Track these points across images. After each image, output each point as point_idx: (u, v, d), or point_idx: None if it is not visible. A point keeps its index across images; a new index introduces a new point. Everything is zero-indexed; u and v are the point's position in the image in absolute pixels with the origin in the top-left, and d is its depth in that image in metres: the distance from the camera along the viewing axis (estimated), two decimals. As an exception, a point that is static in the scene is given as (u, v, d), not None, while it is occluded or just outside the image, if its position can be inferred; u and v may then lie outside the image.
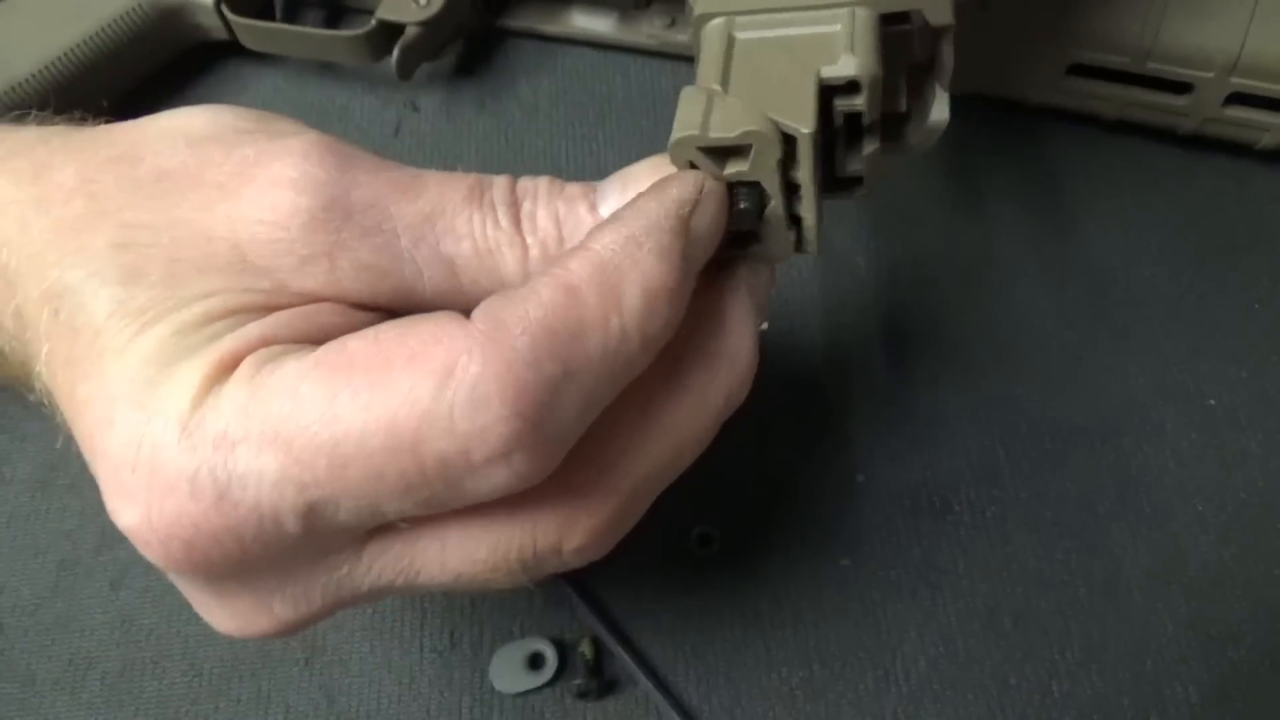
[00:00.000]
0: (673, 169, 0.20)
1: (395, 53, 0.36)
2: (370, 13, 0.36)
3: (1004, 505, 0.30)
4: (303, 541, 0.18)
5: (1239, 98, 0.33)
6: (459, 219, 0.20)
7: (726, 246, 0.21)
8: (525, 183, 0.21)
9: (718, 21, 0.22)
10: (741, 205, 0.20)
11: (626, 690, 0.28)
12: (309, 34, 0.37)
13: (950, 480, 0.30)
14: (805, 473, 0.31)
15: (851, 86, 0.20)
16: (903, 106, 0.23)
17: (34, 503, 0.31)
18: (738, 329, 0.22)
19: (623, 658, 0.28)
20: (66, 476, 0.31)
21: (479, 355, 0.17)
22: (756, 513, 0.30)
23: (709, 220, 0.20)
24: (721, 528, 0.30)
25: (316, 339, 0.19)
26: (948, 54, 0.22)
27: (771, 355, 0.33)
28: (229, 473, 0.17)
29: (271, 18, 0.39)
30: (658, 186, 0.20)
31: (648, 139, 0.23)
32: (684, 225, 0.19)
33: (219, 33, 0.37)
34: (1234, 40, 0.32)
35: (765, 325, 0.23)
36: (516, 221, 0.21)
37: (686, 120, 0.20)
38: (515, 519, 0.19)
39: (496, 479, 0.18)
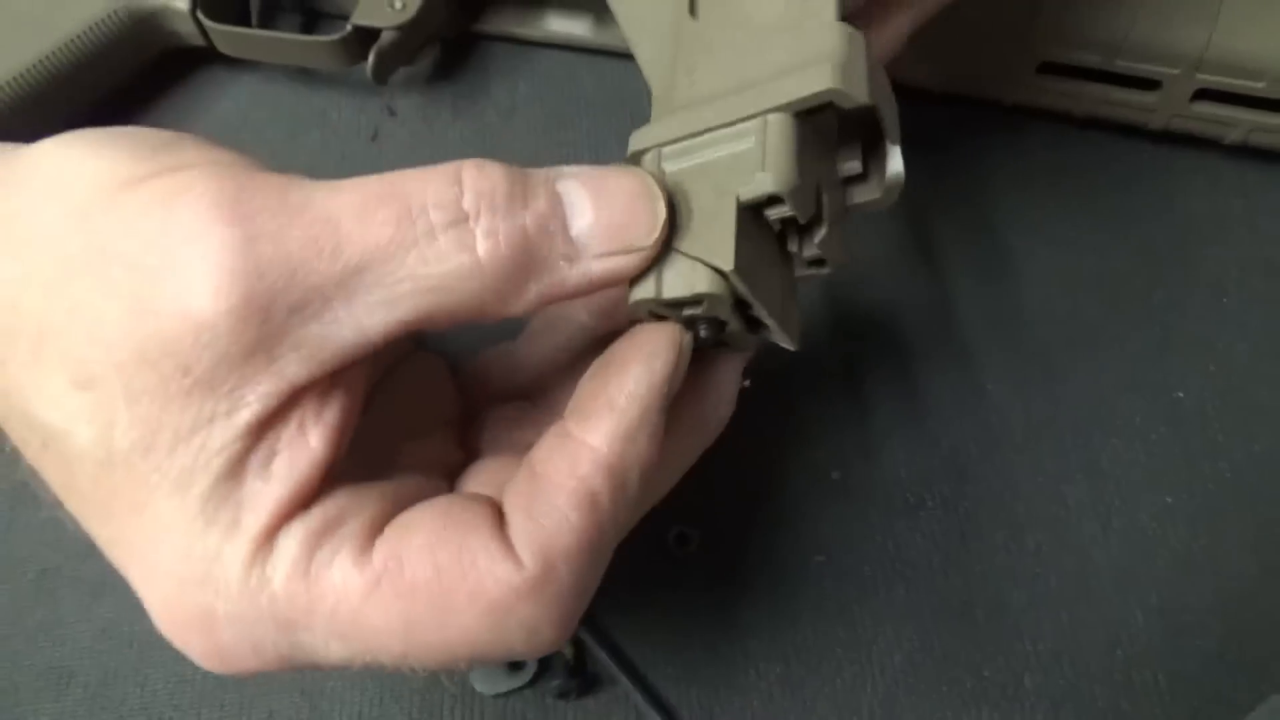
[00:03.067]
0: (644, 205, 0.20)
1: (371, 57, 0.36)
2: (345, 18, 0.36)
3: (975, 500, 0.31)
4: None
5: (1205, 94, 0.33)
6: (391, 264, 0.18)
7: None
8: (476, 183, 0.19)
9: (649, 156, 0.21)
10: (702, 334, 0.22)
11: (606, 689, 0.28)
12: (285, 39, 0.37)
13: (922, 476, 0.31)
14: (780, 472, 0.31)
15: (774, 199, 0.20)
16: (858, 169, 0.23)
17: (14, 511, 0.31)
18: (725, 393, 0.24)
19: (602, 657, 0.28)
20: (44, 490, 0.31)
21: (532, 599, 0.19)
22: (733, 512, 0.31)
23: (683, 373, 0.22)
24: (699, 527, 0.30)
25: (325, 464, 0.19)
26: (888, 113, 0.21)
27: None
28: (292, 646, 0.19)
29: (247, 23, 0.39)
30: (642, 355, 0.21)
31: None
32: (668, 398, 0.21)
33: (195, 39, 0.37)
34: (1200, 37, 0.32)
35: (747, 383, 0.25)
36: (469, 248, 0.19)
37: (642, 284, 0.21)
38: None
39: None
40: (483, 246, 0.19)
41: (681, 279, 0.20)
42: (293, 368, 0.18)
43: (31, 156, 0.20)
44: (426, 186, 0.19)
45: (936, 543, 0.30)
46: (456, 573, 0.19)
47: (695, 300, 0.20)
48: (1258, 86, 0.32)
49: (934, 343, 0.33)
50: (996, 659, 0.28)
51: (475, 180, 0.19)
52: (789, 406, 0.32)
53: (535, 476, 0.20)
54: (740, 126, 0.20)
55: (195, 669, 0.29)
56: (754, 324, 0.22)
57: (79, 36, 0.36)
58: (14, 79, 0.35)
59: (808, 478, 0.31)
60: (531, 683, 0.28)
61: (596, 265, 0.20)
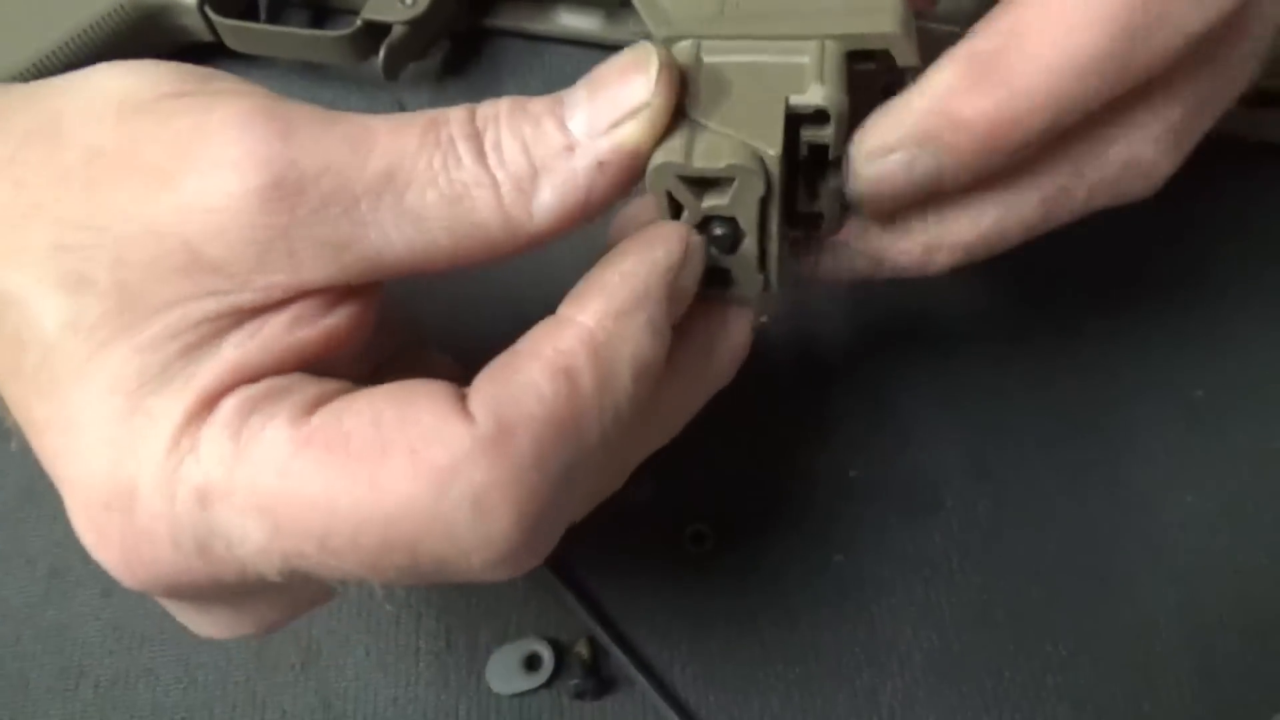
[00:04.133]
0: (639, 69, 0.20)
1: (381, 53, 0.35)
2: (355, 13, 0.36)
3: (995, 499, 0.30)
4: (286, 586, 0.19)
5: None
6: (418, 167, 0.19)
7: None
8: (485, 109, 0.20)
9: (685, 43, 0.21)
10: (716, 234, 0.20)
11: (623, 689, 0.28)
12: (294, 34, 0.36)
13: (941, 475, 0.31)
14: (797, 470, 0.31)
15: (820, 116, 0.20)
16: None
17: (23, 510, 0.31)
18: (735, 324, 0.22)
19: (619, 657, 0.28)
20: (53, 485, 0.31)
21: (484, 463, 0.17)
22: (750, 511, 0.30)
23: (693, 277, 0.20)
24: (715, 526, 0.30)
25: (293, 364, 0.18)
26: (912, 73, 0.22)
27: (760, 354, 0.33)
28: (210, 530, 0.17)
29: (256, 18, 0.39)
30: (642, 244, 0.20)
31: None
32: (672, 291, 0.19)
33: (203, 34, 0.37)
34: None
35: (765, 319, 0.23)
36: (481, 156, 0.19)
37: (669, 146, 0.19)
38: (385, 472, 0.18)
39: (496, 575, 0.18)
40: (492, 156, 0.19)
41: (714, 151, 0.19)
42: (309, 265, 0.18)
43: (81, 74, 0.20)
44: (448, 113, 0.19)
45: (956, 542, 0.30)
46: (396, 426, 0.17)
47: (725, 177, 0.19)
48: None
49: (949, 340, 0.33)
50: (1017, 659, 0.28)
51: (485, 106, 0.20)
52: (807, 406, 0.32)
53: (512, 352, 0.19)
54: (794, 44, 0.20)
55: (206, 669, 0.29)
56: (763, 248, 0.21)
57: (86, 31, 0.36)
58: (21, 74, 0.35)
59: (826, 477, 0.31)
60: (548, 683, 0.28)
61: (601, 143, 0.19)
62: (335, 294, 0.19)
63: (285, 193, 0.18)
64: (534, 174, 0.19)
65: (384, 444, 0.17)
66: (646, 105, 0.19)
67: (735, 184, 0.19)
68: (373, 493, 0.17)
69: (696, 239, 0.20)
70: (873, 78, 0.22)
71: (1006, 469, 0.31)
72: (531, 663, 0.28)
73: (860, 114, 0.22)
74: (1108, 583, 0.29)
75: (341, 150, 0.18)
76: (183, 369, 0.18)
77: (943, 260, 0.23)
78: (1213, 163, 0.35)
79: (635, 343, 0.18)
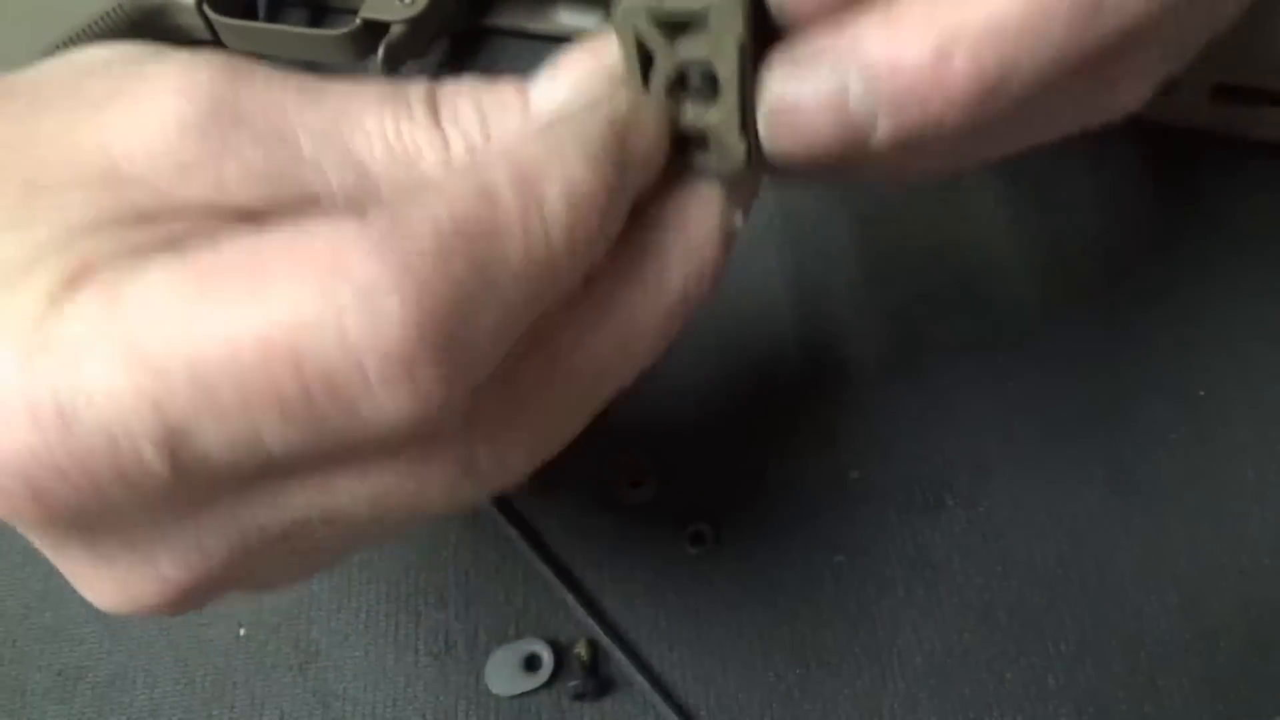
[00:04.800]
0: (601, 44, 0.19)
1: (380, 52, 0.35)
2: (354, 11, 0.36)
3: (997, 499, 0.30)
4: (173, 481, 0.15)
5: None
6: (368, 116, 0.18)
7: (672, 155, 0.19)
8: (448, 82, 0.19)
9: None
10: (693, 86, 0.18)
11: (623, 690, 0.28)
12: (293, 33, 0.36)
13: (943, 475, 0.30)
14: (797, 470, 0.31)
15: None
16: None
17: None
18: (699, 214, 0.19)
19: (619, 658, 0.28)
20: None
21: (376, 254, 0.14)
22: (750, 511, 0.30)
23: (650, 136, 0.18)
24: (715, 526, 0.30)
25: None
26: None
27: (760, 353, 0.33)
28: (74, 392, 0.14)
29: (255, 17, 0.39)
30: (591, 99, 0.18)
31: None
32: (617, 139, 0.17)
33: (201, 33, 0.37)
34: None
35: (740, 221, 0.20)
36: (435, 114, 0.18)
37: None
38: (271, 274, 0.16)
39: (400, 402, 0.15)
40: (446, 117, 0.18)
41: None
42: (235, 189, 0.17)
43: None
44: (409, 82, 0.19)
45: (957, 543, 0.30)
46: (279, 238, 0.15)
47: (700, 19, 0.17)
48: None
49: (951, 340, 0.33)
50: (1019, 660, 0.28)
51: (448, 81, 0.19)
52: (807, 405, 0.32)
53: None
54: None
55: (204, 670, 0.28)
56: (744, 107, 0.19)
57: (83, 31, 0.36)
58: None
59: (826, 477, 0.31)
60: (547, 684, 0.28)
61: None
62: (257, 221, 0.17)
63: (220, 121, 0.17)
64: (488, 141, 0.18)
65: (264, 257, 0.15)
66: (605, 69, 0.18)
67: (712, 25, 0.18)
68: (249, 300, 0.14)
69: (655, 103, 0.18)
70: None
71: (1008, 469, 0.30)
72: (531, 663, 0.28)
73: None
74: (1110, 583, 0.29)
75: (290, 93, 0.18)
76: (68, 244, 0.16)
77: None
78: (1197, 162, 0.35)
79: (567, 170, 0.16)
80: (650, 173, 0.18)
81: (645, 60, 0.18)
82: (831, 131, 0.18)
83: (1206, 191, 0.35)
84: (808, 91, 0.18)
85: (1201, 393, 0.32)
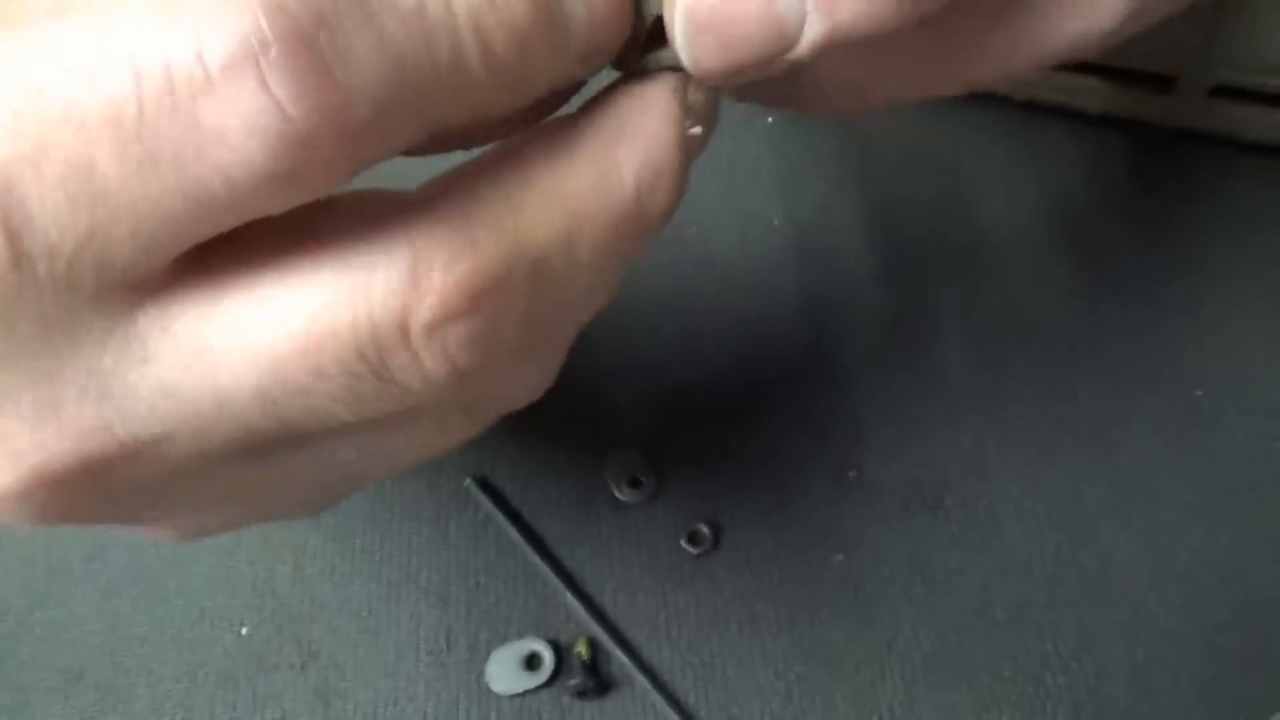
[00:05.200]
0: None
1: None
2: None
3: (994, 499, 0.30)
4: (14, 272, 0.13)
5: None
6: None
7: (648, 44, 0.18)
8: None
9: None
10: None
11: (623, 689, 0.28)
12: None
13: (941, 475, 0.31)
14: (796, 469, 0.31)
15: None
16: None
17: (23, 511, 0.31)
18: (653, 110, 0.18)
19: (619, 657, 0.28)
20: (56, 484, 0.31)
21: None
22: (748, 510, 0.30)
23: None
24: (713, 526, 0.30)
25: None
26: None
27: (759, 352, 0.33)
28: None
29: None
30: None
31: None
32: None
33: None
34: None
35: (698, 129, 0.19)
36: None
37: None
38: (338, 262, 0.15)
39: (250, 107, 0.13)
40: None
41: None
42: None
43: None
44: None
45: (955, 542, 0.30)
46: None
47: None
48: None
49: (948, 340, 0.33)
50: (1016, 658, 0.28)
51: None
52: (805, 405, 0.32)
53: None
54: None
55: (206, 669, 0.29)
56: None
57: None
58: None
59: (825, 476, 0.31)
60: (548, 683, 0.28)
61: None
62: None
63: None
64: None
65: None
66: None
67: None
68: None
69: None
70: None
71: (1006, 469, 0.31)
72: (531, 663, 0.28)
73: None
74: (1108, 583, 0.29)
75: None
76: None
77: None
78: (1195, 161, 0.35)
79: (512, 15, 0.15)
80: (606, 21, 0.17)
81: None
82: (761, 38, 0.17)
83: (1204, 191, 0.35)
84: None
85: (1199, 392, 0.32)
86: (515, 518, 0.30)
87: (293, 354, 0.15)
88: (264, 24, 0.13)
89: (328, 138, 0.13)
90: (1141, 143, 0.36)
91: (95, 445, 0.15)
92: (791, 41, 0.17)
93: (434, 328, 0.15)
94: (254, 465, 0.18)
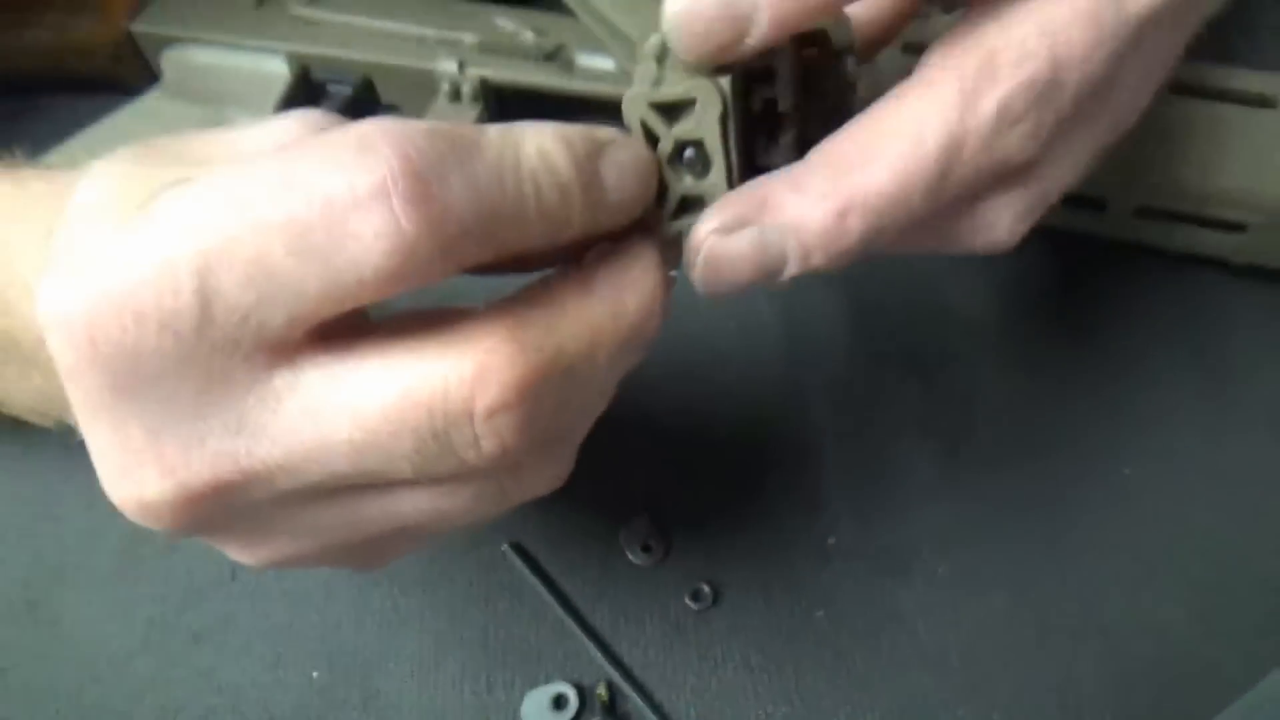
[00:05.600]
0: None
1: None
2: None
3: (954, 564, 0.35)
4: (200, 326, 0.19)
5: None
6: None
7: (676, 214, 0.24)
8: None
9: (654, 36, 0.25)
10: (688, 157, 0.24)
11: (637, 725, 0.33)
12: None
13: (908, 544, 0.36)
14: (784, 536, 0.36)
15: (767, 74, 0.24)
16: (821, 132, 0.26)
17: (123, 567, 0.36)
18: (643, 259, 0.23)
19: (633, 698, 0.33)
20: (151, 546, 0.36)
21: (370, 123, 0.19)
22: (743, 571, 0.35)
23: (629, 163, 0.22)
24: (713, 585, 0.35)
25: None
26: (854, 82, 0.26)
27: (753, 433, 0.38)
28: (141, 235, 0.19)
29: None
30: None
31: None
32: (594, 144, 0.22)
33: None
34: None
35: (674, 273, 0.25)
36: None
37: (639, 83, 0.24)
38: (424, 354, 0.20)
39: (381, 222, 0.18)
40: None
41: (677, 82, 0.23)
42: None
43: None
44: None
45: (919, 600, 0.35)
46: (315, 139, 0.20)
47: (688, 101, 0.23)
48: None
49: (916, 427, 0.38)
50: (969, 701, 0.33)
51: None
52: (792, 479, 0.37)
53: None
54: None
55: (283, 708, 0.33)
56: (729, 170, 0.24)
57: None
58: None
59: (808, 543, 0.36)
60: (574, 719, 0.33)
61: None
62: None
63: (322, 123, 0.22)
64: None
65: (300, 148, 0.20)
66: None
67: (697, 105, 0.23)
68: (278, 167, 0.19)
69: (638, 140, 0.23)
70: (820, 65, 0.26)
71: (964, 539, 0.36)
72: (559, 703, 0.33)
73: (809, 104, 0.26)
74: (1045, 632, 0.34)
75: None
76: (174, 182, 0.20)
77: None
78: (1126, 268, 0.41)
79: (543, 135, 0.21)
80: (627, 190, 0.23)
81: (652, 140, 0.24)
82: (751, 274, 0.25)
83: (1136, 293, 0.41)
84: (734, 246, 0.24)
85: (1127, 470, 0.37)
86: (545, 578, 0.35)
87: (381, 417, 0.20)
88: (395, 167, 0.19)
89: (428, 246, 0.19)
90: (1080, 251, 0.41)
91: (227, 471, 0.20)
92: (778, 272, 0.25)
93: (492, 413, 0.20)
94: (332, 505, 0.22)
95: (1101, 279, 0.41)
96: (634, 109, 0.24)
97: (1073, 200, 0.39)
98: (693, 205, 0.25)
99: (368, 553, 0.26)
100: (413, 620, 0.35)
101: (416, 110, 0.43)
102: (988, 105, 0.24)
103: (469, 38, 0.44)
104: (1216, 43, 0.33)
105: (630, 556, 0.36)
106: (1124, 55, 0.24)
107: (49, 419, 0.27)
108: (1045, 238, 0.41)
